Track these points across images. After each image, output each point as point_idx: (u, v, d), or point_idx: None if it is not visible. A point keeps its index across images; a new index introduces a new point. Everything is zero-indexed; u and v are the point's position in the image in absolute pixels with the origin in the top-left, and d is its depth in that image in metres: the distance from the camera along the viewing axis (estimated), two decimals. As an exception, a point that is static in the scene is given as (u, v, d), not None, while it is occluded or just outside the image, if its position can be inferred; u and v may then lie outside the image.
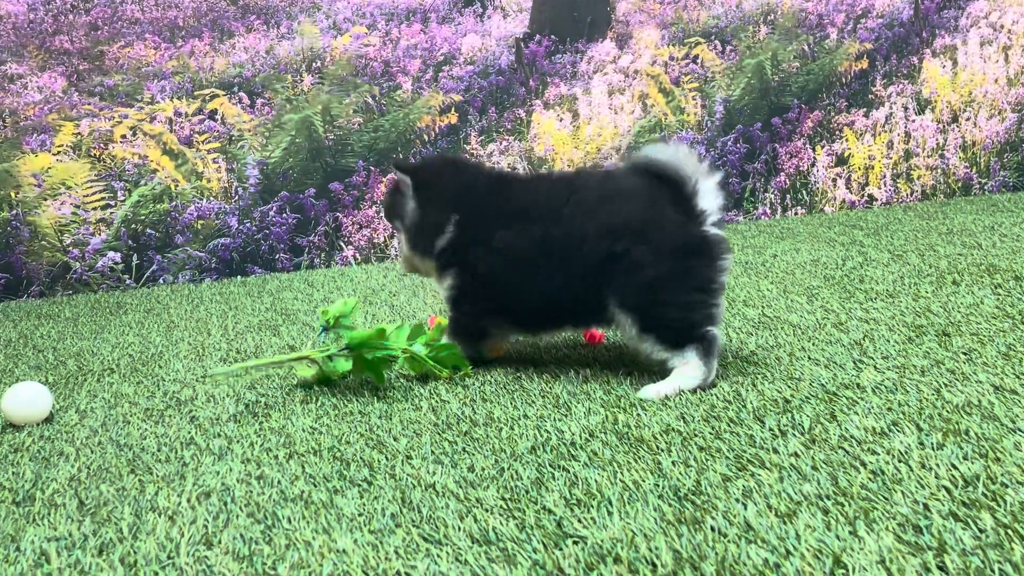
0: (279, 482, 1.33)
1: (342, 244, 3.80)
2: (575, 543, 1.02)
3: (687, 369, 1.60)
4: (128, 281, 3.56)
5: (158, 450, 1.54)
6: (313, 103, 3.75)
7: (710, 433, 1.36)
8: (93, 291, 3.49)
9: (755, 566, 0.94)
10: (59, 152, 3.44)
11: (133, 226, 3.56)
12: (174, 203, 3.59)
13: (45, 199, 3.44)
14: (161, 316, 2.89)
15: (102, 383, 2.05)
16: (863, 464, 1.18)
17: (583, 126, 4.18)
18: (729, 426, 1.39)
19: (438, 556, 1.04)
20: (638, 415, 1.48)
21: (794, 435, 1.32)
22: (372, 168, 3.83)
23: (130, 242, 3.56)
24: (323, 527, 1.16)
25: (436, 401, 1.69)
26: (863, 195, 4.45)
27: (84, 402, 1.89)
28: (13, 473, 1.47)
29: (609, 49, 4.16)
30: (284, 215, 3.72)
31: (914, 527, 0.99)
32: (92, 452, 1.55)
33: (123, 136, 3.51)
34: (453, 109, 3.95)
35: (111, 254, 3.53)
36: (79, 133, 3.46)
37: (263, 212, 3.70)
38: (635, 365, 1.78)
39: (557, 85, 4.10)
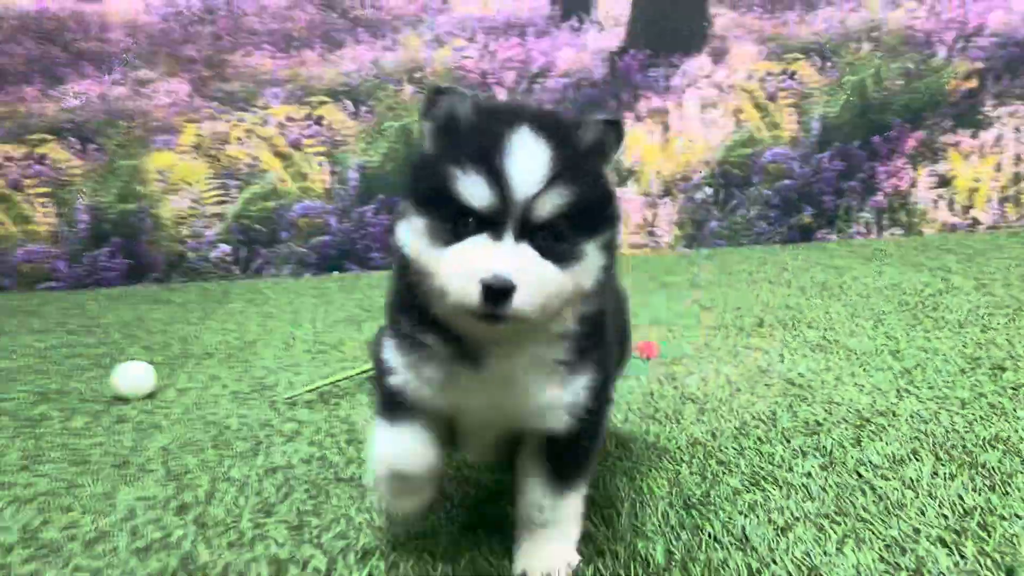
0: (336, 464, 1.49)
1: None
2: (581, 541, 1.12)
3: None
4: (236, 272, 3.85)
5: (239, 429, 1.73)
6: (412, 111, 3.95)
7: (734, 449, 1.43)
8: (205, 279, 3.80)
9: (738, 570, 1.02)
10: (182, 151, 3.77)
11: (243, 221, 3.86)
12: (281, 201, 3.87)
13: (167, 194, 3.77)
14: (261, 306, 3.14)
15: (200, 366, 2.28)
16: (872, 488, 1.23)
17: (673, 139, 4.23)
18: (755, 444, 1.45)
19: (471, 538, 1.17)
20: (670, 428, 1.57)
21: (814, 456, 1.37)
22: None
23: (240, 236, 3.85)
24: (367, 506, 1.30)
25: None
26: (967, 217, 4.31)
27: (183, 382, 2.12)
28: (115, 440, 1.69)
29: (704, 63, 4.19)
30: (380, 216, 3.94)
31: (900, 548, 1.05)
32: (183, 427, 1.76)
33: (238, 138, 3.81)
34: (545, 120, 4.08)
35: (223, 246, 3.84)
36: (200, 134, 3.78)
37: (361, 213, 3.93)
38: (676, 384, 1.86)
39: (649, 98, 4.17)
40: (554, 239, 0.92)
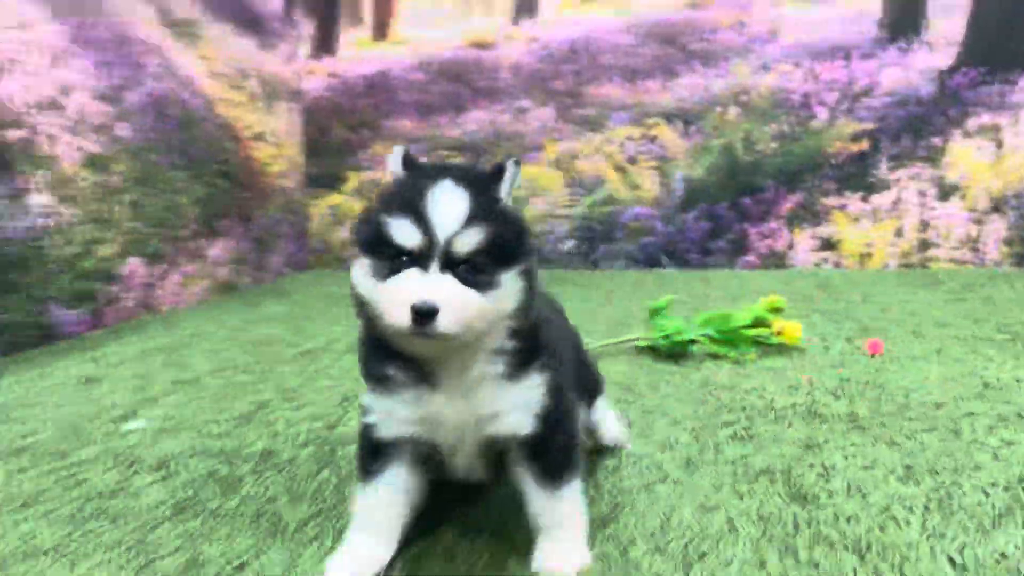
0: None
1: (746, 249, 4.49)
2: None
3: (607, 410, 1.74)
4: (578, 263, 4.72)
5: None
6: (736, 130, 4.47)
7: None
8: (556, 268, 4.72)
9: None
10: (544, 165, 4.73)
11: (586, 222, 4.71)
12: (616, 207, 4.65)
13: (531, 198, 4.76)
14: (590, 291, 3.93)
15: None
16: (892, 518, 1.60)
17: (1007, 156, 4.21)
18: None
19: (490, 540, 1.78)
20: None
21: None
22: (780, 187, 4.43)
23: (583, 234, 4.72)
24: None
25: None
26: None
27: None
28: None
29: (1046, 79, 4.12)
30: (700, 223, 4.53)
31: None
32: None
33: (587, 154, 4.67)
34: (866, 137, 4.33)
35: (570, 241, 4.73)
36: (559, 151, 4.71)
37: (683, 219, 4.56)
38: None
39: (979, 115, 4.20)
40: (474, 270, 1.10)
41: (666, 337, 2.56)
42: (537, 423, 1.20)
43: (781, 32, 4.41)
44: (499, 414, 1.19)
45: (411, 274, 1.09)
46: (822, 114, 4.36)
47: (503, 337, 1.18)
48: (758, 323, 2.63)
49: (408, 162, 1.19)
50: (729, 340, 2.56)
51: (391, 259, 1.11)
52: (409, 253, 1.10)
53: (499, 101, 4.78)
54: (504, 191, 1.15)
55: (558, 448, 1.23)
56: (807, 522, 1.39)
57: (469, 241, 1.09)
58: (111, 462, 1.80)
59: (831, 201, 4.37)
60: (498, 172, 1.15)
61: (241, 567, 1.29)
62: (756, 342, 2.59)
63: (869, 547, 1.29)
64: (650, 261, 4.62)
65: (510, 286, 1.13)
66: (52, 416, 2.15)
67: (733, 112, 4.48)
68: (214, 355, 2.80)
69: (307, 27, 5.01)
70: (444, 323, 1.06)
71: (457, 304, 1.07)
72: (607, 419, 1.71)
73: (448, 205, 1.09)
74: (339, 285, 4.24)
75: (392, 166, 1.19)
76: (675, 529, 1.38)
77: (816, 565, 1.25)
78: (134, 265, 3.56)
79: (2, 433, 2.02)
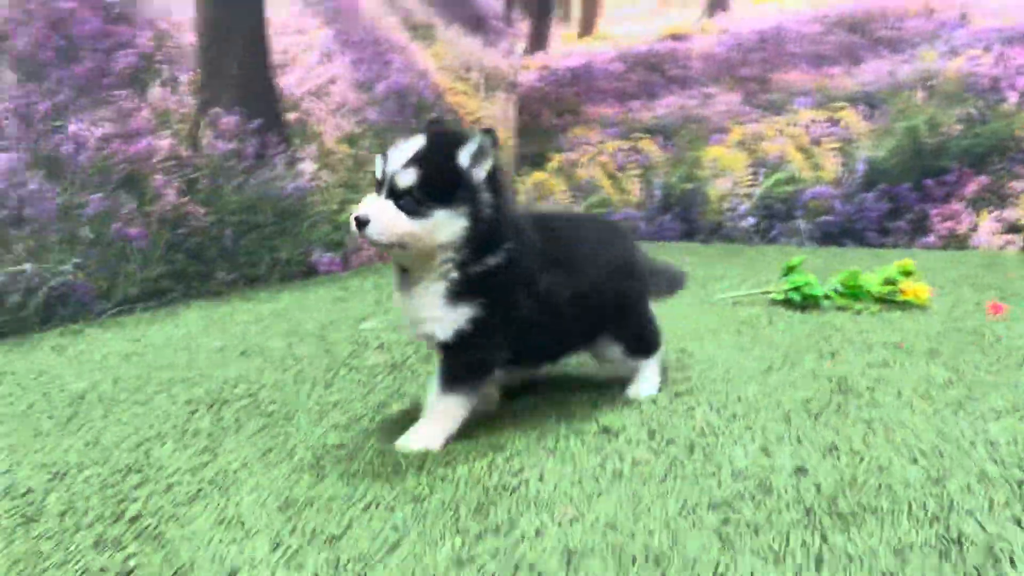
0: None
1: (927, 231, 4.61)
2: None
3: (654, 367, 1.95)
4: (756, 240, 5.05)
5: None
6: (920, 114, 4.59)
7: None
8: (734, 243, 5.09)
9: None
10: (728, 146, 5.10)
11: (767, 200, 5.03)
12: (798, 186, 4.93)
13: (715, 177, 5.15)
14: (755, 265, 4.29)
15: (709, 289, 3.59)
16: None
17: None
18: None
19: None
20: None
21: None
22: (965, 169, 4.50)
23: (763, 212, 5.04)
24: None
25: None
26: None
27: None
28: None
29: None
30: (879, 203, 4.71)
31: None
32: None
33: (771, 136, 4.98)
34: (1061, 120, 4.30)
35: (750, 219, 5.08)
36: (743, 134, 5.06)
37: (863, 198, 4.75)
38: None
39: None
40: (413, 200, 1.45)
41: (796, 290, 2.94)
42: (453, 337, 1.54)
43: (971, 18, 4.46)
44: (430, 320, 1.55)
45: (368, 197, 1.50)
46: (1012, 98, 4.37)
47: (449, 265, 1.52)
48: (888, 283, 2.94)
49: (435, 124, 1.62)
50: (854, 295, 2.89)
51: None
52: (378, 183, 1.50)
53: (689, 88, 5.22)
54: (464, 153, 1.49)
55: (459, 362, 1.58)
56: (839, 403, 1.82)
57: (406, 178, 1.45)
58: (351, 342, 2.57)
59: (1019, 185, 4.37)
60: (462, 139, 1.50)
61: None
62: (882, 299, 2.90)
63: (884, 425, 1.71)
64: (827, 239, 4.86)
65: (443, 221, 1.47)
66: (315, 318, 2.99)
67: (919, 96, 4.60)
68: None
69: (524, 27, 5.73)
70: (372, 231, 1.45)
71: (384, 219, 1.45)
72: (648, 376, 1.93)
73: (402, 152, 1.48)
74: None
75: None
76: (732, 402, 1.86)
77: (836, 430, 1.69)
78: (374, 222, 4.44)
79: (282, 324, 2.87)
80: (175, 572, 1.15)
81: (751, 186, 5.07)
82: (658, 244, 5.19)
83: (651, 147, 5.36)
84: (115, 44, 3.04)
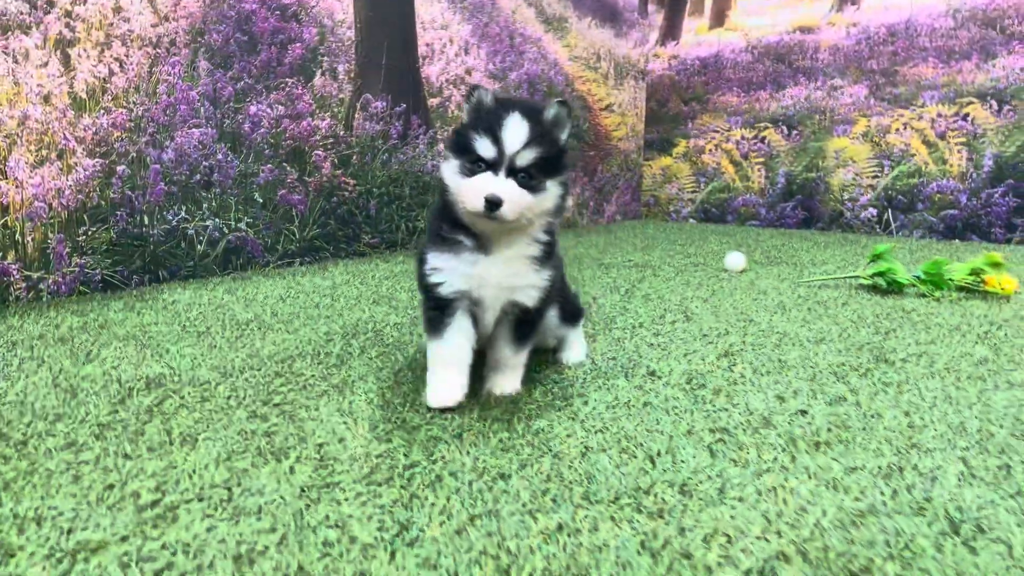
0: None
1: (1055, 229, 4.53)
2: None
3: (580, 336, 2.16)
4: (878, 230, 5.10)
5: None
6: (1056, 110, 4.50)
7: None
8: (853, 233, 5.15)
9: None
10: (853, 138, 5.16)
11: (890, 192, 5.06)
12: (922, 179, 4.94)
13: (838, 168, 5.22)
14: (866, 254, 4.39)
15: (802, 271, 3.78)
16: None
17: None
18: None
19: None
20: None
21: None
22: (1100, 168, 4.38)
23: (885, 203, 5.08)
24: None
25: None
26: None
27: (776, 271, 3.66)
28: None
29: None
30: (1006, 198, 4.65)
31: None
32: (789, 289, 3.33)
33: (897, 129, 5.01)
34: None
35: (871, 210, 5.13)
36: (868, 126, 5.11)
37: (989, 194, 4.71)
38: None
39: None
40: (529, 177, 1.54)
41: (879, 275, 3.11)
42: (537, 302, 1.70)
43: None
44: (522, 287, 1.67)
45: (486, 176, 1.54)
46: None
47: (541, 229, 1.66)
48: (975, 273, 3.06)
49: (492, 98, 1.62)
50: (935, 282, 3.04)
51: (472, 163, 1.56)
52: (486, 161, 1.55)
53: (815, 79, 5.30)
54: (549, 122, 1.58)
55: (533, 324, 1.77)
56: (868, 369, 2.07)
57: (527, 156, 1.53)
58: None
59: None
60: (546, 110, 1.59)
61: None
62: (964, 288, 3.03)
63: (898, 388, 1.95)
64: (950, 233, 4.85)
65: (552, 191, 1.60)
66: (411, 283, 3.45)
67: (1054, 92, 4.52)
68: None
69: (658, 18, 5.97)
70: (506, 211, 1.52)
71: (515, 199, 1.53)
72: (576, 342, 2.14)
73: (515, 131, 1.53)
74: (653, 230, 5.20)
75: (484, 99, 1.61)
76: (772, 363, 2.14)
77: (853, 388, 1.96)
78: (502, 199, 4.88)
79: (411, 281, 3.35)
80: (300, 436, 1.60)
81: (874, 178, 5.12)
82: (777, 231, 5.34)
83: (775, 136, 5.49)
84: (287, 39, 3.61)
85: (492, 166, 1.55)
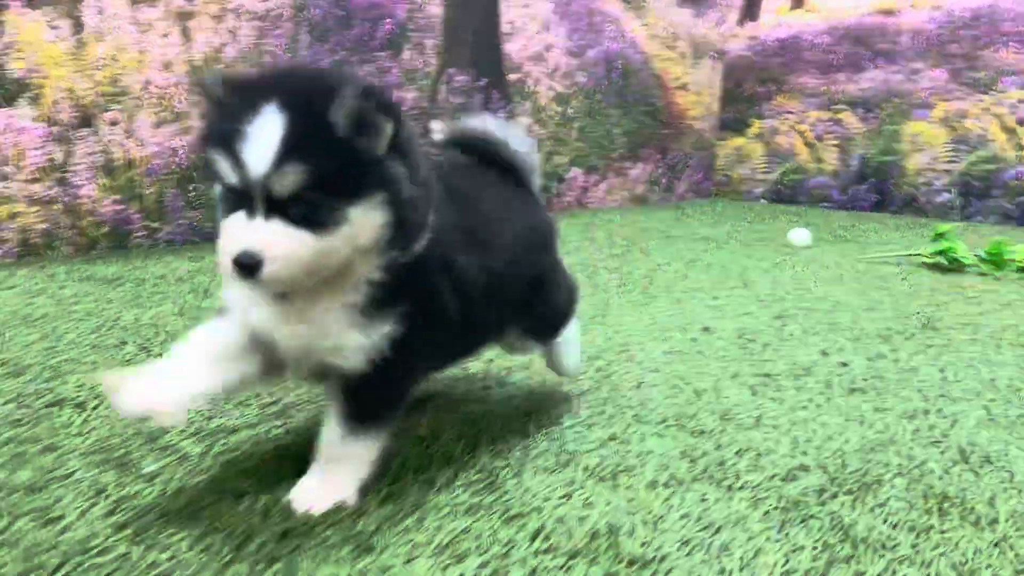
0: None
1: None
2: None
3: (571, 340, 1.61)
4: (952, 216, 5.10)
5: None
6: None
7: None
8: (927, 217, 5.17)
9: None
10: (931, 122, 5.16)
11: (965, 177, 5.05)
12: (999, 165, 4.92)
13: (914, 152, 5.23)
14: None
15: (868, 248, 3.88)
16: None
17: None
18: None
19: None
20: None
21: None
22: None
23: (961, 188, 5.07)
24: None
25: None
26: None
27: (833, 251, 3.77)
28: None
29: None
30: (1087, 186, 4.59)
31: None
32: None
33: (975, 115, 4.99)
34: None
35: (945, 194, 5.13)
36: (947, 110, 5.10)
37: (1067, 181, 4.66)
38: None
39: None
40: (308, 208, 0.96)
41: (940, 253, 3.20)
42: (368, 368, 1.10)
43: None
44: (336, 347, 1.09)
45: (237, 218, 0.98)
46: None
47: (367, 271, 1.06)
48: (1038, 255, 3.12)
49: (226, 84, 1.02)
50: (996, 262, 3.11)
51: (226, 192, 1.01)
52: (235, 190, 0.98)
53: (895, 62, 5.30)
54: (336, 115, 0.96)
55: (375, 397, 1.15)
56: (913, 334, 2.20)
57: (289, 180, 0.95)
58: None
59: None
60: (333, 97, 0.96)
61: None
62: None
63: (939, 349, 2.09)
64: (1025, 219, 4.82)
65: (361, 221, 1.00)
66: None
67: None
68: (612, 233, 4.13)
69: (737, -2, 6.03)
70: (269, 273, 0.96)
71: (283, 251, 0.96)
72: (566, 350, 1.60)
73: (262, 139, 0.94)
74: (723, 209, 5.32)
75: (214, 88, 1.02)
76: (821, 325, 2.29)
77: (895, 347, 2.10)
78: (576, 173, 5.06)
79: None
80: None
81: (950, 162, 5.11)
82: (848, 212, 5.38)
83: (851, 119, 5.52)
84: (379, 15, 3.86)
85: (243, 199, 0.99)
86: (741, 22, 6.02)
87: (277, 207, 0.97)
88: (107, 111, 2.97)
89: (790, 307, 2.50)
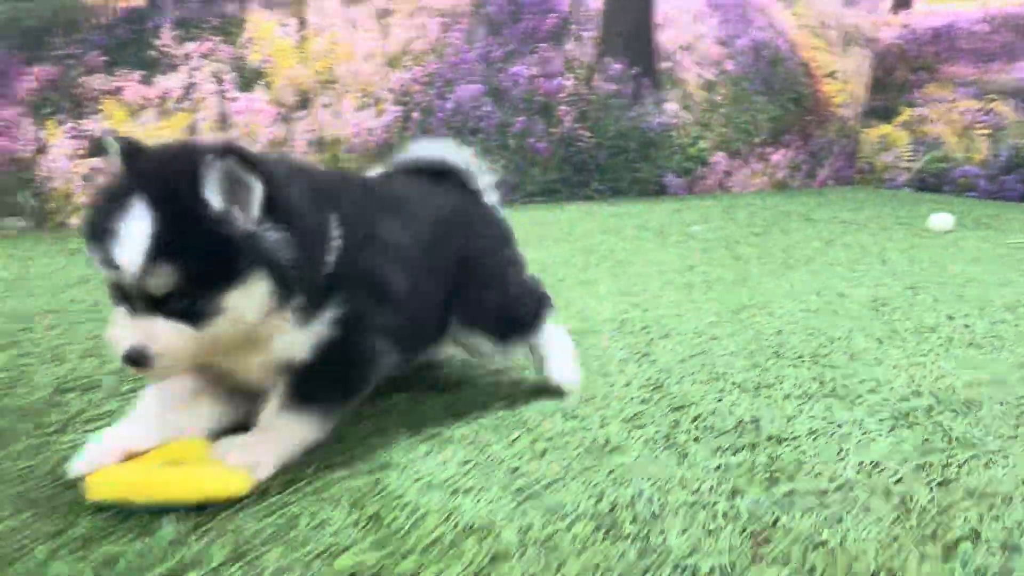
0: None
1: None
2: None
3: (557, 334, 1.60)
4: (1108, 207, 5.01)
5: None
6: None
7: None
8: None
9: None
10: (1090, 111, 5.06)
11: (1126, 169, 4.95)
12: None
13: (1070, 141, 5.15)
14: None
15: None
16: None
17: None
18: None
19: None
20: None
21: None
22: None
23: (1120, 180, 4.97)
24: (983, 261, 2.99)
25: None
26: None
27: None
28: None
29: None
30: None
31: None
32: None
33: None
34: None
35: (1103, 186, 5.04)
36: (1109, 99, 4.99)
37: None
38: None
39: None
40: (185, 303, 0.98)
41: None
42: (314, 351, 1.15)
43: None
44: (285, 355, 1.15)
45: (121, 314, 1.02)
46: None
47: (277, 322, 1.10)
48: None
49: (130, 156, 1.03)
50: None
51: (108, 284, 1.02)
52: (115, 285, 1.00)
53: (1054, 51, 5.23)
54: (210, 191, 0.98)
55: (318, 379, 1.19)
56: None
57: (162, 282, 0.97)
58: (680, 235, 3.54)
59: None
60: (197, 177, 0.98)
61: (725, 261, 2.87)
62: None
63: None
64: None
65: (244, 301, 1.02)
66: (658, 220, 4.00)
67: None
68: (754, 214, 4.38)
69: (890, -15, 6.05)
70: (162, 363, 1.01)
71: (166, 346, 1.00)
72: (554, 354, 1.57)
73: (131, 239, 0.95)
74: (865, 195, 5.42)
75: (111, 162, 1.04)
76: (952, 295, 2.52)
77: (1018, 317, 2.32)
78: (719, 157, 5.31)
79: (633, 221, 3.93)
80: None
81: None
82: (995, 202, 5.36)
83: (1004, 109, 5.47)
84: (545, 10, 4.26)
85: (124, 295, 1.02)
86: (895, 10, 6.04)
87: (155, 303, 0.99)
88: (321, 95, 3.53)
89: (923, 280, 2.72)
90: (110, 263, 0.98)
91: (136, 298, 1.00)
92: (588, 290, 2.46)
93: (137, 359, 1.00)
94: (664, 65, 4.88)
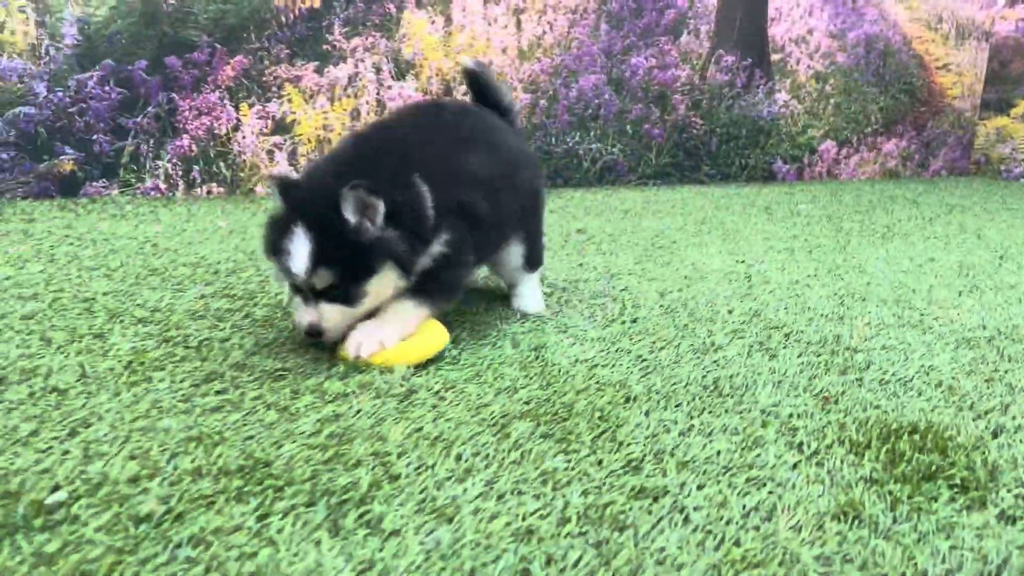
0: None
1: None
2: None
3: (536, 283, 2.00)
4: None
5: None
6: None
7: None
8: None
9: None
10: None
11: None
12: None
13: None
14: None
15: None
16: None
17: None
18: None
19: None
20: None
21: None
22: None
23: None
24: None
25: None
26: None
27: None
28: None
29: None
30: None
31: None
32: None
33: None
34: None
35: None
36: None
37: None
38: None
39: None
40: (339, 291, 1.45)
41: None
42: (431, 262, 1.56)
43: None
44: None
45: (298, 302, 1.50)
46: None
47: (403, 282, 1.53)
48: None
49: (284, 190, 1.48)
50: None
51: (288, 282, 1.52)
52: (292, 283, 1.49)
53: None
54: (349, 213, 1.41)
55: (438, 281, 1.60)
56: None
57: (322, 280, 1.44)
58: (790, 213, 3.82)
59: None
60: (338, 208, 1.40)
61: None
62: None
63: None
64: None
65: (378, 285, 1.48)
66: (767, 199, 4.28)
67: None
68: (860, 197, 4.58)
69: (1012, -23, 6.05)
70: (331, 334, 1.50)
71: (334, 321, 1.48)
72: (527, 291, 1.97)
73: (299, 253, 1.41)
74: (979, 185, 5.49)
75: (275, 203, 1.49)
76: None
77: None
78: (828, 146, 5.50)
79: (741, 202, 4.22)
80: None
81: None
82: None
83: None
84: (664, 5, 4.60)
85: (299, 289, 1.50)
86: (1012, 3, 6.05)
87: (320, 294, 1.46)
88: (461, 85, 3.99)
89: (1015, 252, 2.94)
90: (288, 271, 1.44)
91: (307, 291, 1.47)
92: (699, 251, 2.81)
93: (313, 332, 1.48)
94: (776, 57, 5.12)
